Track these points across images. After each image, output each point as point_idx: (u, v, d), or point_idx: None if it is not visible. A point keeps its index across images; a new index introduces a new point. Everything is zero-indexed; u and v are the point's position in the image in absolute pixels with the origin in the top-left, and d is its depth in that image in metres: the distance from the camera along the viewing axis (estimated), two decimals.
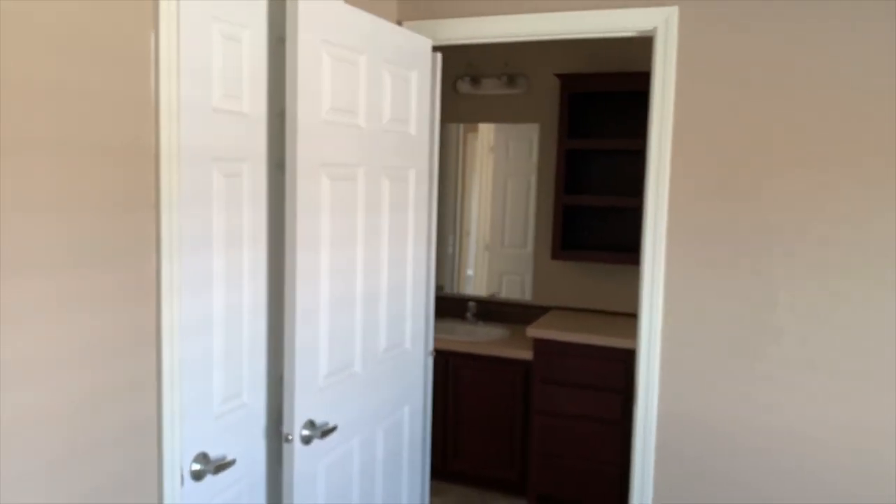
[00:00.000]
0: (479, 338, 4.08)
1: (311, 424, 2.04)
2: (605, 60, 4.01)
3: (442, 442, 3.96)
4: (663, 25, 2.41)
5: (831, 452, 2.34)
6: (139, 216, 1.59)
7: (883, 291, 2.24)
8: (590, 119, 4.08)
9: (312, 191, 1.99)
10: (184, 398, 1.73)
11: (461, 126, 4.41)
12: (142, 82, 1.58)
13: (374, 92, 2.24)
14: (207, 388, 1.83)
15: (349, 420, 2.24)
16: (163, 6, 1.59)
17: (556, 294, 4.26)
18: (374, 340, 2.36)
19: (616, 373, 3.53)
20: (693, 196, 2.43)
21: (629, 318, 3.84)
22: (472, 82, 4.31)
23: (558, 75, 3.93)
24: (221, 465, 1.85)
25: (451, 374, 3.93)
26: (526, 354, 3.73)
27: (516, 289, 4.37)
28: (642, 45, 2.65)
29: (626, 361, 3.45)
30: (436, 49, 2.68)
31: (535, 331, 3.68)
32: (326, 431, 2.08)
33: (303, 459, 2.02)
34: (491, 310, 4.42)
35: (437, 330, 3.89)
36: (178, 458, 1.72)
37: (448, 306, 4.46)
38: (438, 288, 4.40)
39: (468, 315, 4.36)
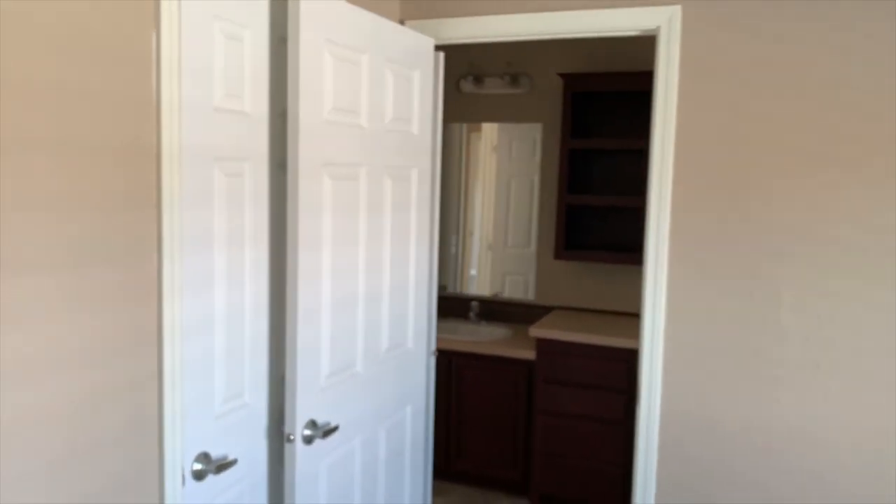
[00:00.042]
0: (482, 337, 4.08)
1: (312, 424, 2.04)
2: (608, 60, 4.00)
3: (445, 441, 3.96)
4: (666, 25, 2.40)
5: (835, 452, 2.33)
6: (140, 216, 1.59)
7: (888, 292, 2.23)
8: (593, 119, 4.07)
9: (314, 190, 1.99)
10: (185, 398, 1.73)
11: (464, 126, 4.41)
12: (143, 82, 1.58)
13: (376, 91, 2.24)
14: (209, 388, 1.83)
15: (351, 420, 2.24)
16: (164, 5, 1.59)
17: (559, 294, 4.25)
18: (376, 340, 2.36)
19: (619, 373, 3.52)
20: (696, 196, 2.42)
21: (632, 318, 3.83)
22: (476, 82, 4.31)
23: (561, 75, 3.93)
24: (223, 465, 1.84)
25: (453, 373, 3.93)
26: (529, 354, 3.73)
27: (519, 288, 4.36)
28: (645, 45, 2.64)
29: (628, 361, 3.44)
30: (438, 48, 2.68)
31: (537, 331, 3.67)
32: (328, 431, 2.08)
33: (304, 459, 2.02)
34: (494, 310, 4.41)
35: (440, 330, 3.90)
36: (179, 457, 1.72)
37: (451, 306, 4.46)
38: (441, 288, 4.40)
39: (471, 315, 4.36)
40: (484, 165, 4.41)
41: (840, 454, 2.32)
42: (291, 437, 1.97)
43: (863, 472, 2.30)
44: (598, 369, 3.57)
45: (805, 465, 2.37)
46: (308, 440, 2.02)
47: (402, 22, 2.71)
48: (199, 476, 1.79)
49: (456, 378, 3.93)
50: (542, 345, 3.66)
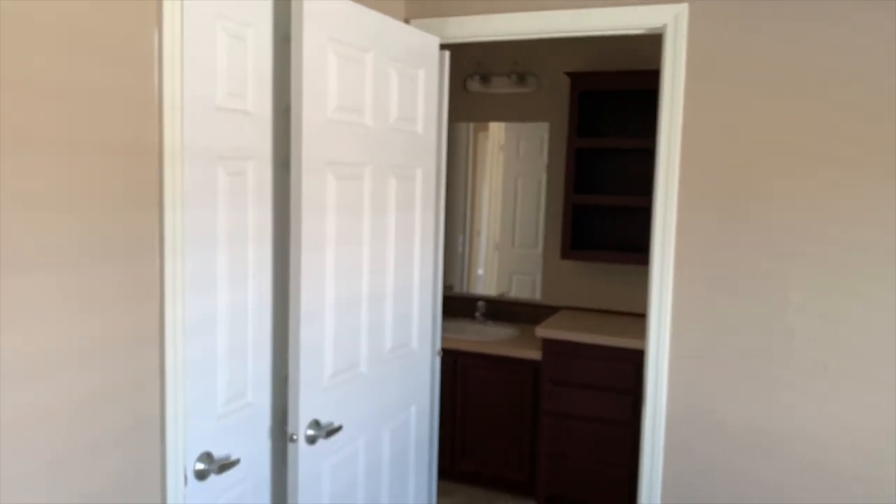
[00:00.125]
0: (488, 337, 4.07)
1: (316, 424, 2.03)
2: (614, 58, 3.98)
3: (450, 442, 3.95)
4: (673, 23, 2.38)
5: (841, 453, 2.31)
6: (142, 215, 1.59)
7: (895, 292, 2.21)
8: (600, 117, 4.06)
9: (318, 190, 1.98)
10: (187, 397, 1.73)
11: (471, 125, 4.40)
12: (145, 81, 1.57)
13: (380, 90, 2.23)
14: (211, 388, 1.82)
15: (355, 420, 2.23)
16: (166, 4, 1.58)
17: (566, 294, 4.24)
18: (380, 340, 2.35)
19: (625, 373, 3.50)
20: (702, 195, 2.40)
21: (639, 318, 3.82)
22: (482, 81, 4.30)
23: (568, 73, 3.91)
24: (225, 465, 1.84)
25: (459, 373, 3.92)
26: (535, 354, 3.72)
27: (526, 288, 4.35)
28: (652, 43, 2.62)
29: (635, 362, 3.43)
30: (444, 47, 2.67)
31: (544, 331, 3.66)
32: (331, 431, 2.08)
33: (308, 459, 2.02)
34: (500, 309, 4.40)
35: (446, 329, 3.90)
36: (181, 457, 1.71)
37: (457, 306, 4.45)
38: (448, 287, 4.39)
39: (477, 314, 4.35)
40: (491, 165, 4.40)
41: (847, 455, 2.30)
42: (294, 437, 1.97)
43: (870, 472, 2.28)
44: (605, 370, 3.55)
45: (812, 466, 2.35)
46: (311, 440, 2.01)
47: (407, 21, 2.70)
48: (201, 476, 1.79)
49: (462, 378, 3.92)
50: (549, 345, 3.65)
